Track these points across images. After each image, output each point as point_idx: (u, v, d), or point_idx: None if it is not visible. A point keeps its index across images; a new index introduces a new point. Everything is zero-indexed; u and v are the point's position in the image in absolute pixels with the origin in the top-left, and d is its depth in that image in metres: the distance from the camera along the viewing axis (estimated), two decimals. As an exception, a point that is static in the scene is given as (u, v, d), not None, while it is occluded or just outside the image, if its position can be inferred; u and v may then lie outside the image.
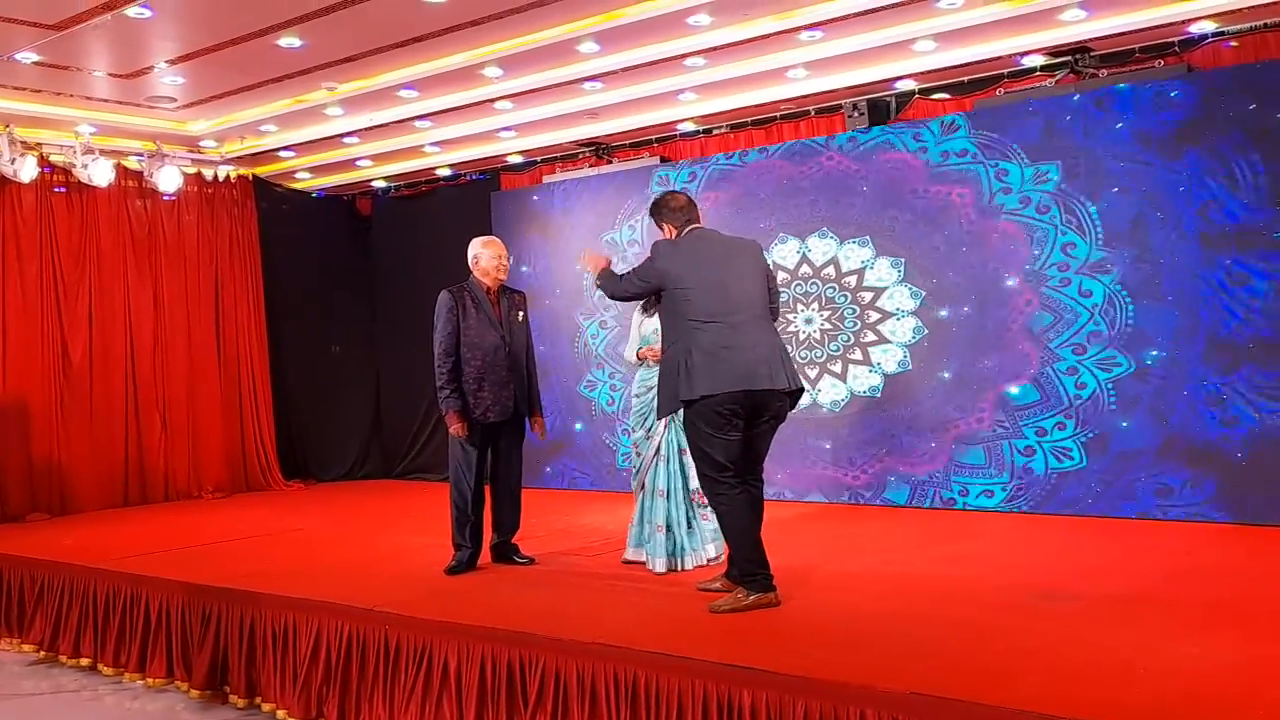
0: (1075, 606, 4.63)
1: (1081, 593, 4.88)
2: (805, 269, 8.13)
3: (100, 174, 8.98)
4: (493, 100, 8.01)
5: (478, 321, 5.80)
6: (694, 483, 5.72)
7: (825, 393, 8.03)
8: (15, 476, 8.77)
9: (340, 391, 10.98)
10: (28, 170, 8.64)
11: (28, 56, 7.12)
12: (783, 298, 8.14)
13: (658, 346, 5.76)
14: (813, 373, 8.07)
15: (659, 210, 5.12)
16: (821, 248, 8.04)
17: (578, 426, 9.43)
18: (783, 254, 8.19)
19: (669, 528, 5.73)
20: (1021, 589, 4.97)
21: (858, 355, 7.89)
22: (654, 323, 5.73)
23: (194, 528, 8.03)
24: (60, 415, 9.08)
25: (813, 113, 8.20)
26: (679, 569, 5.68)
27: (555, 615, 4.75)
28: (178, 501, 9.59)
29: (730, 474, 4.76)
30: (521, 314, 5.99)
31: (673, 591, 5.21)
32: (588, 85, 7.72)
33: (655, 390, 5.83)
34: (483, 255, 5.91)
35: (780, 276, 8.20)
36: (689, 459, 5.62)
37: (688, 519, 5.78)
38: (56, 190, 9.16)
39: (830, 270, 8.01)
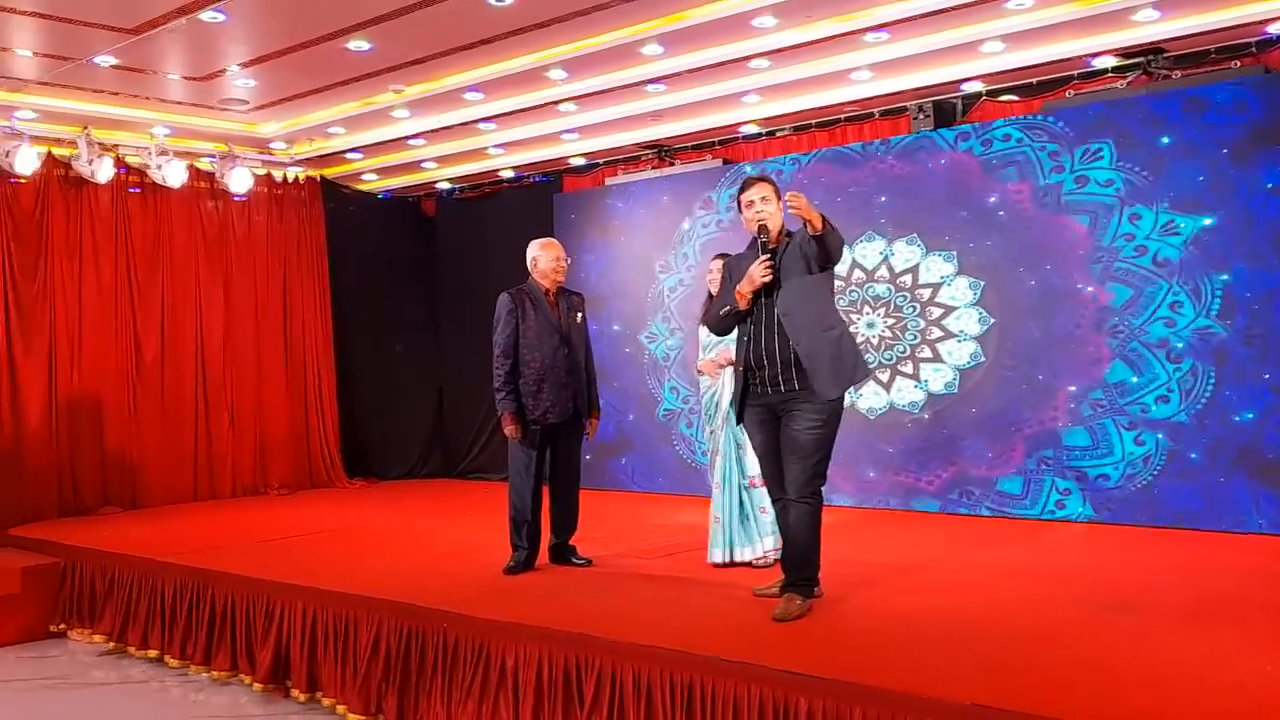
0: (1141, 618, 4.53)
1: (1149, 604, 4.77)
2: (859, 274, 8.06)
3: (174, 175, 9.16)
4: (556, 103, 8.04)
5: (537, 323, 5.83)
6: (751, 469, 5.72)
7: (890, 395, 7.95)
8: (88, 470, 8.97)
9: (403, 391, 11.09)
10: (105, 171, 8.84)
11: (106, 60, 7.28)
12: (842, 302, 8.12)
13: (721, 356, 5.78)
14: (881, 375, 8.00)
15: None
16: (885, 249, 7.96)
17: (640, 428, 9.42)
18: (851, 256, 8.12)
19: (725, 520, 5.81)
20: (1087, 599, 4.88)
21: (926, 353, 7.80)
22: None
23: (259, 523, 8.16)
24: (133, 411, 9.27)
25: (878, 115, 8.12)
26: (732, 561, 5.77)
27: (611, 617, 4.75)
28: (244, 497, 9.76)
29: None
30: (580, 315, 6.00)
31: (730, 594, 5.18)
32: (651, 87, 7.73)
33: (714, 389, 5.86)
34: (541, 257, 5.94)
35: (856, 276, 8.15)
36: (745, 451, 5.66)
37: (740, 510, 5.83)
38: (132, 191, 9.36)
39: (886, 271, 7.92)
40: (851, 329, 7.98)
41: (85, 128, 8.63)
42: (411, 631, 5.12)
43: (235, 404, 9.92)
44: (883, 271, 7.99)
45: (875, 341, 8.00)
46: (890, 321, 7.95)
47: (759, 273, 4.68)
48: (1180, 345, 6.77)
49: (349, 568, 6.18)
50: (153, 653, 6.62)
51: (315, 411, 10.43)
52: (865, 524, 7.35)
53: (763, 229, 4.72)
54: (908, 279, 7.86)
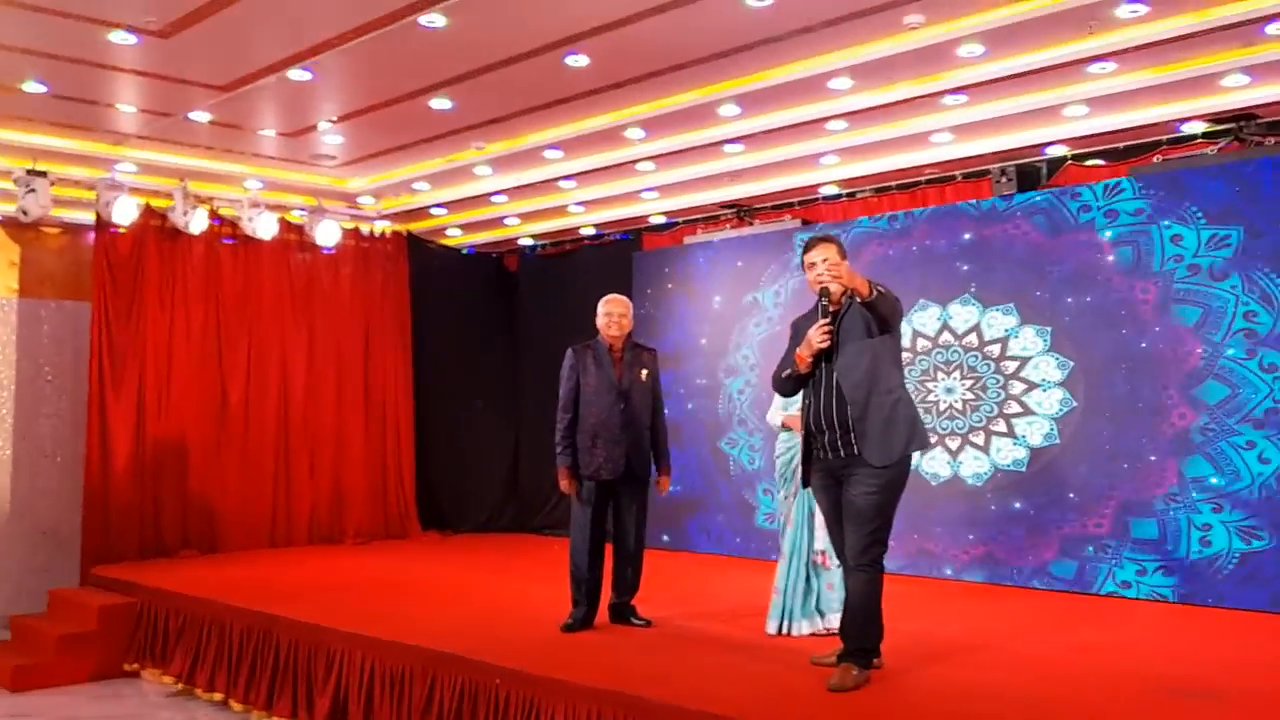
0: (1220, 705, 4.30)
1: (1232, 689, 4.53)
2: (946, 336, 7.91)
3: (264, 227, 9.44)
4: (635, 161, 8.12)
5: (596, 379, 5.86)
6: (819, 543, 5.63)
7: (966, 465, 7.76)
8: (171, 513, 9.17)
9: (480, 445, 11.17)
10: (198, 222, 9.15)
11: (202, 116, 7.56)
12: (924, 365, 7.99)
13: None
14: (953, 444, 7.82)
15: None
16: (964, 315, 7.82)
17: (713, 489, 9.33)
18: (923, 321, 7.99)
19: (784, 590, 5.69)
20: (1164, 681, 4.65)
21: (1001, 427, 7.61)
22: None
23: (330, 571, 8.25)
24: (216, 456, 9.47)
25: (959, 177, 8.02)
26: (788, 633, 5.64)
27: (664, 680, 4.67)
28: (320, 544, 9.87)
29: None
30: (646, 371, 5.98)
31: (787, 661, 5.06)
32: (729, 148, 7.76)
33: (792, 452, 5.75)
34: (599, 312, 6.03)
35: (922, 344, 8.02)
36: (818, 522, 5.53)
37: (806, 584, 5.71)
38: (224, 241, 9.66)
39: (973, 338, 7.77)
40: (930, 394, 7.86)
41: (182, 180, 8.95)
42: (464, 685, 5.10)
43: (315, 452, 10.08)
44: (971, 338, 7.83)
45: (954, 408, 7.83)
46: (970, 388, 7.77)
47: (817, 337, 4.63)
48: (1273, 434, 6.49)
49: (410, 619, 6.19)
50: (218, 695, 6.69)
51: (393, 463, 10.55)
52: (939, 596, 7.14)
53: (824, 291, 4.67)
54: (995, 349, 7.68)
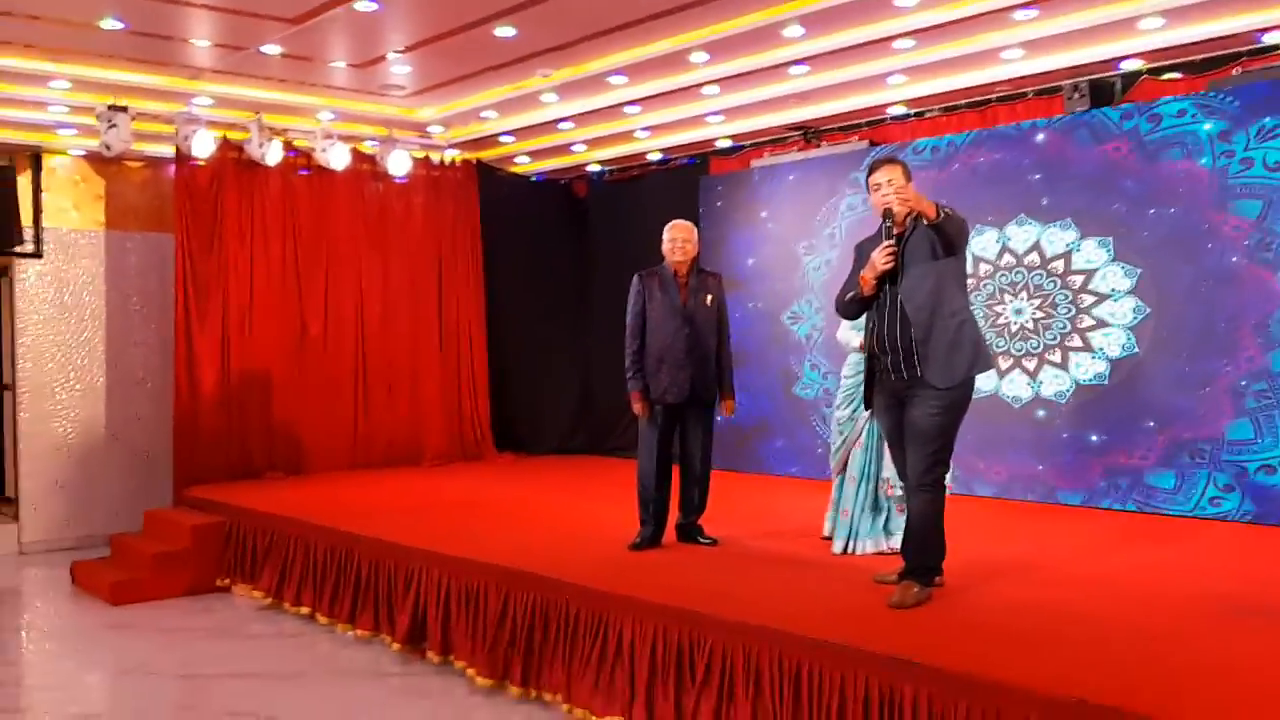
0: (1274, 623, 4.32)
1: (1291, 610, 4.54)
2: (1008, 258, 7.83)
3: (338, 158, 9.60)
4: (700, 85, 8.08)
5: (661, 304, 5.94)
6: (886, 471, 5.72)
7: (1036, 384, 7.72)
8: (257, 437, 9.52)
9: (553, 368, 11.36)
10: (274, 154, 9.34)
11: (273, 49, 7.68)
12: (989, 289, 7.93)
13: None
14: (1031, 364, 7.78)
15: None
16: (1037, 234, 7.72)
17: (780, 411, 9.41)
18: (983, 244, 7.91)
19: (853, 512, 5.78)
20: (1225, 601, 4.67)
21: (1076, 342, 7.54)
22: None
23: (408, 492, 8.52)
24: (297, 381, 9.78)
25: (1030, 94, 7.86)
26: (854, 551, 5.75)
27: (728, 597, 4.80)
28: (399, 467, 10.17)
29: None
30: (710, 296, 6.04)
31: (849, 578, 5.16)
32: (794, 69, 7.68)
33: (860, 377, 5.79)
34: (664, 238, 6.09)
35: (984, 268, 7.95)
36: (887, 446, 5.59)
37: (873, 504, 5.80)
38: (300, 173, 9.85)
39: (1037, 257, 7.68)
40: (999, 316, 7.82)
41: (257, 113, 9.12)
42: (536, 601, 5.29)
43: (392, 377, 10.34)
44: (1033, 257, 7.75)
45: (1024, 328, 7.78)
46: (1039, 308, 7.71)
47: (881, 259, 4.64)
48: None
49: (484, 538, 6.40)
50: (305, 609, 7.02)
51: (467, 387, 10.77)
52: (1004, 516, 7.17)
53: (888, 213, 4.67)
54: (1059, 264, 7.61)
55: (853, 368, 5.94)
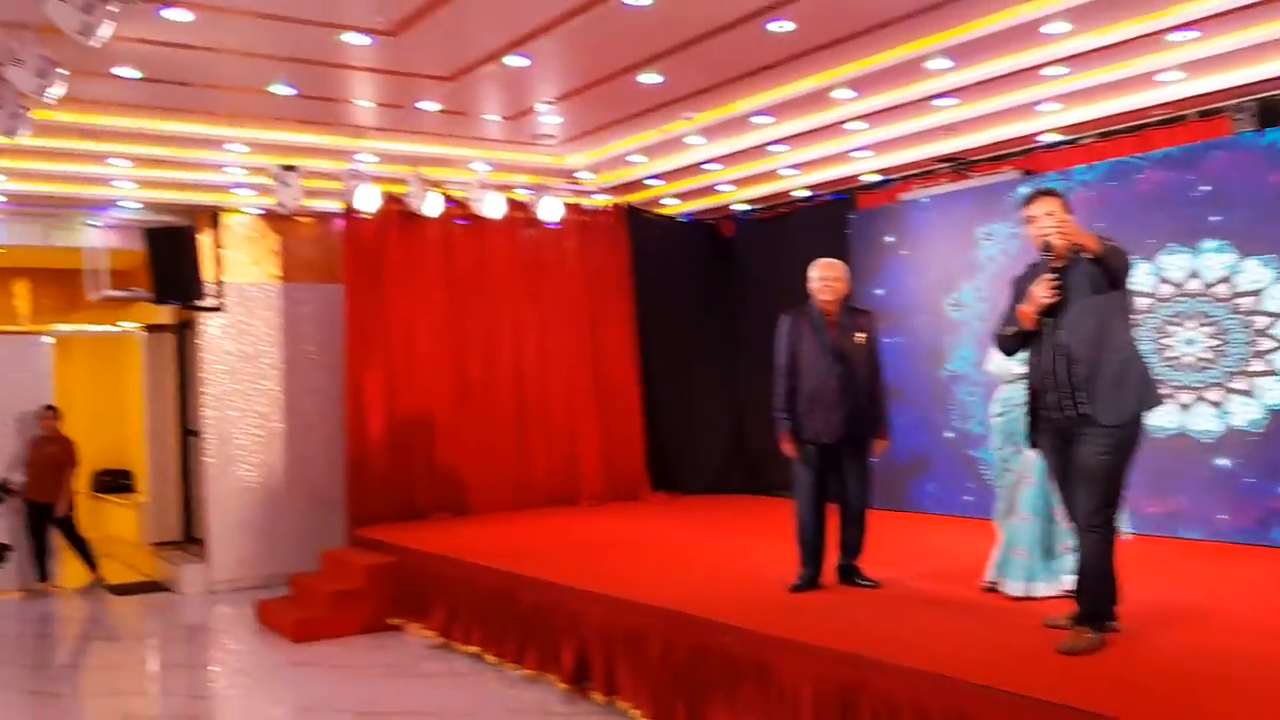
0: None
1: None
2: (1166, 287, 7.55)
3: (493, 207, 9.93)
4: (845, 121, 8.08)
5: (811, 344, 5.95)
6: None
7: (1216, 416, 7.39)
8: (422, 479, 9.89)
9: (705, 407, 11.40)
10: (433, 206, 9.72)
11: (430, 105, 8.04)
12: (1154, 320, 7.66)
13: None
14: (1187, 399, 7.48)
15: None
16: (1204, 262, 7.43)
17: (938, 448, 9.25)
18: (1154, 269, 7.65)
19: (1030, 552, 5.60)
20: None
21: (1259, 365, 7.22)
22: None
23: (567, 532, 8.71)
24: (459, 424, 10.12)
25: (1192, 117, 7.59)
26: (1033, 596, 5.55)
27: (890, 639, 4.77)
28: (557, 507, 10.37)
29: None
30: (862, 334, 6.02)
31: (1017, 623, 5.06)
32: (939, 102, 7.61)
33: (1020, 408, 5.66)
34: (811, 277, 6.10)
35: (1166, 290, 7.67)
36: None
37: (1047, 545, 5.61)
38: (457, 222, 10.24)
39: (1203, 284, 7.38)
40: (1168, 347, 7.54)
41: (416, 167, 9.53)
42: (697, 643, 5.35)
43: (549, 419, 10.59)
44: (1195, 284, 7.46)
45: (1198, 359, 7.48)
46: (1211, 336, 7.40)
47: (1042, 293, 4.57)
48: None
49: (642, 578, 6.51)
50: (473, 648, 7.23)
51: (622, 426, 10.93)
52: (1178, 557, 6.88)
53: (1047, 246, 4.60)
54: (1222, 288, 7.29)
55: (1002, 404, 5.82)
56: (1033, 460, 5.59)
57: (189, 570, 9.82)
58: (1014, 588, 5.60)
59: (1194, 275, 7.50)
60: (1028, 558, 5.60)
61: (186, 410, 10.96)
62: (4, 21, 5.86)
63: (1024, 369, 5.22)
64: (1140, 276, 7.68)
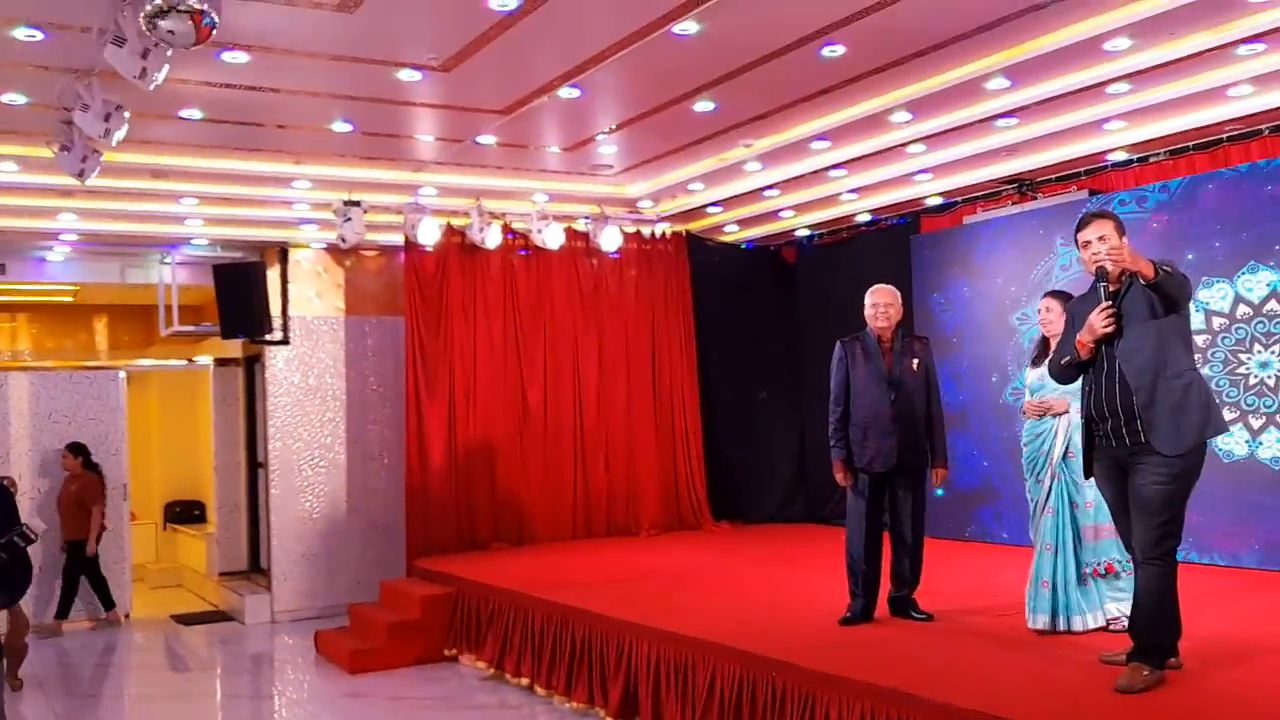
0: None
1: None
2: (1244, 309, 7.25)
3: (553, 237, 9.96)
4: (905, 144, 7.94)
5: (865, 371, 5.84)
6: (1083, 520, 5.43)
7: (1267, 446, 7.09)
8: (482, 508, 9.88)
9: (767, 435, 11.28)
10: (494, 237, 9.79)
11: (488, 139, 8.09)
12: (1228, 342, 7.37)
13: (1045, 400, 5.48)
14: (1256, 423, 7.17)
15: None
16: (1274, 280, 7.14)
17: (1002, 476, 8.99)
18: (1235, 287, 7.37)
19: (1054, 584, 5.43)
20: None
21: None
22: (1039, 372, 5.53)
23: (625, 562, 8.62)
24: (519, 455, 10.11)
25: (1266, 131, 7.31)
26: (1064, 629, 5.37)
27: (942, 676, 4.61)
28: (618, 537, 10.30)
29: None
30: (918, 361, 5.89)
31: (1074, 659, 4.85)
32: (1001, 122, 7.45)
33: (1042, 438, 5.53)
34: (866, 304, 6.00)
35: (1241, 311, 7.37)
36: (1080, 511, 5.33)
37: (1078, 575, 5.43)
38: (518, 253, 10.28)
39: (1276, 305, 7.09)
40: (1242, 371, 7.25)
41: (476, 199, 9.60)
42: (743, 676, 5.22)
43: (609, 449, 10.52)
44: (1273, 305, 7.16)
45: (1266, 383, 7.17)
46: (1288, 359, 7.10)
47: (1100, 322, 4.40)
48: None
49: (693, 609, 6.39)
50: (524, 680, 7.17)
51: (682, 456, 10.83)
52: (1243, 589, 6.57)
53: (1101, 272, 4.44)
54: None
55: (1029, 433, 5.67)
56: (1051, 489, 5.48)
57: (253, 600, 9.92)
58: (1040, 621, 5.44)
59: (1274, 295, 7.20)
60: (1050, 589, 5.44)
61: (255, 442, 11.12)
62: (70, 68, 6.05)
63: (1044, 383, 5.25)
64: (1210, 296, 7.40)
